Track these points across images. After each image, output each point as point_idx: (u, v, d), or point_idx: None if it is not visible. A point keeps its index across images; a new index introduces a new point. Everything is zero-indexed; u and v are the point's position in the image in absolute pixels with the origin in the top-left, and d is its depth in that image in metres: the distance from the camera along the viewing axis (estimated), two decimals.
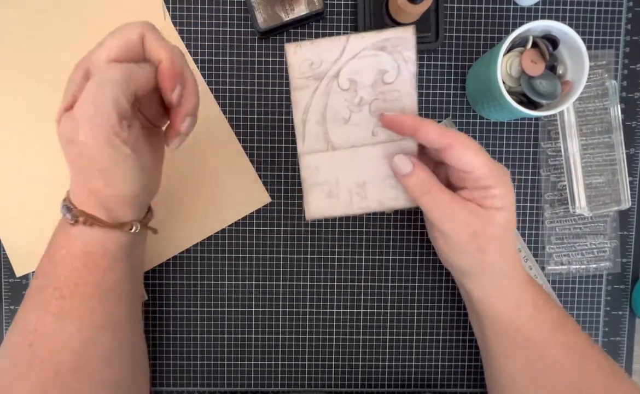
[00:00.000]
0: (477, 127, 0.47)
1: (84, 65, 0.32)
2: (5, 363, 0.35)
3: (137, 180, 0.34)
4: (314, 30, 0.46)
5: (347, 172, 0.37)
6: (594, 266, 0.48)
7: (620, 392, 0.37)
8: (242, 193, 0.46)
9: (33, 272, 0.46)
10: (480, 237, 0.36)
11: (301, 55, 0.35)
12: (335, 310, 0.48)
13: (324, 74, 0.36)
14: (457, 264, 0.38)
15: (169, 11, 0.45)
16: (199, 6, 0.45)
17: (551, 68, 0.40)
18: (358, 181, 0.37)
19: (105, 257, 0.35)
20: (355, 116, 0.36)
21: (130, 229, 0.36)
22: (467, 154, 0.35)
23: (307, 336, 0.48)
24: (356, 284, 0.48)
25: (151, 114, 0.36)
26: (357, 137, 0.37)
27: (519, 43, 0.40)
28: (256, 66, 0.46)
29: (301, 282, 0.47)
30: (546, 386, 0.38)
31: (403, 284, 0.48)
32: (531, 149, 0.47)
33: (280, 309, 0.48)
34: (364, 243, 0.47)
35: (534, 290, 0.39)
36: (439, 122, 0.47)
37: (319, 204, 0.38)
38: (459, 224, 0.36)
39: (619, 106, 0.46)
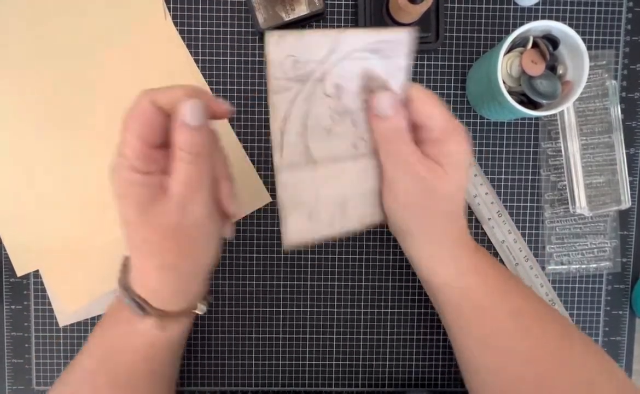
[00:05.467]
0: (477, 127, 0.47)
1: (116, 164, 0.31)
2: None
3: (215, 252, 0.35)
4: None
5: (328, 190, 0.34)
6: (594, 265, 0.48)
7: (573, 352, 0.36)
8: (243, 193, 0.46)
9: (34, 272, 0.46)
10: (431, 194, 0.34)
11: (285, 50, 0.29)
12: (335, 310, 0.48)
13: (309, 76, 0.30)
14: (402, 222, 0.37)
15: (169, 11, 0.45)
16: (199, 6, 0.45)
17: (551, 68, 0.40)
18: (339, 199, 0.34)
19: (169, 347, 0.35)
20: (337, 127, 0.32)
21: (195, 310, 0.36)
22: (426, 105, 0.34)
23: (307, 336, 0.48)
24: (356, 284, 0.48)
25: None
26: (338, 150, 0.33)
27: (519, 43, 0.40)
28: (256, 66, 0.46)
29: (301, 282, 0.47)
30: (496, 352, 0.37)
31: (404, 284, 0.48)
32: (531, 149, 0.47)
33: (281, 309, 0.48)
34: (364, 243, 0.47)
35: (478, 256, 0.38)
36: None
37: (299, 227, 0.34)
38: (414, 177, 0.34)
39: (619, 106, 0.46)
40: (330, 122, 0.32)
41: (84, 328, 0.47)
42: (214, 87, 0.46)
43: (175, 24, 0.45)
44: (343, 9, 0.46)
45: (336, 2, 0.46)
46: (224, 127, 0.46)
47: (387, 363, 0.48)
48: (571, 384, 0.35)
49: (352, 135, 0.33)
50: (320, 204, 0.34)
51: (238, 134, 0.46)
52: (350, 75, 0.31)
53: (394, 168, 0.35)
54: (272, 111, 0.31)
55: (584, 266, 0.48)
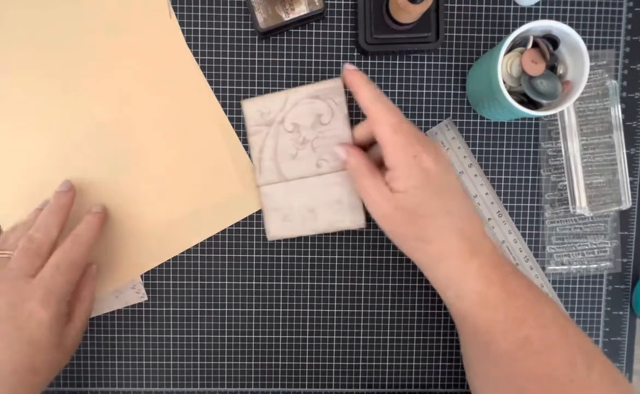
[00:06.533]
0: (478, 127, 0.47)
1: None
2: None
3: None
4: (314, 30, 0.46)
5: (299, 199, 0.44)
6: (595, 266, 0.48)
7: (589, 382, 0.34)
8: (243, 193, 0.46)
9: None
10: (390, 221, 0.36)
11: (253, 107, 0.43)
12: (335, 310, 0.48)
13: (272, 120, 0.43)
14: (402, 249, 0.38)
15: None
16: (199, 6, 0.45)
17: (551, 68, 0.40)
18: (308, 207, 0.43)
19: None
20: (301, 152, 0.43)
21: None
22: (379, 129, 0.36)
23: (307, 337, 0.48)
24: (356, 284, 0.48)
25: None
26: (305, 170, 0.43)
27: (520, 43, 0.40)
28: (256, 66, 0.46)
29: (301, 283, 0.47)
30: (499, 374, 0.36)
31: (403, 284, 0.48)
32: (531, 149, 0.47)
33: (281, 310, 0.48)
34: (364, 244, 0.47)
35: (486, 277, 0.36)
36: (438, 122, 0.47)
37: (277, 226, 0.44)
38: (375, 207, 0.37)
39: (619, 105, 0.46)
40: (295, 150, 0.43)
41: None
42: (213, 87, 0.46)
43: None
44: (343, 9, 0.46)
45: (336, 2, 0.46)
46: (224, 128, 0.46)
47: (387, 363, 0.48)
48: None
49: (313, 158, 0.43)
50: (292, 210, 0.44)
51: (238, 134, 0.46)
52: (302, 115, 0.42)
53: (364, 200, 0.39)
54: (251, 148, 0.43)
55: (584, 267, 0.48)
